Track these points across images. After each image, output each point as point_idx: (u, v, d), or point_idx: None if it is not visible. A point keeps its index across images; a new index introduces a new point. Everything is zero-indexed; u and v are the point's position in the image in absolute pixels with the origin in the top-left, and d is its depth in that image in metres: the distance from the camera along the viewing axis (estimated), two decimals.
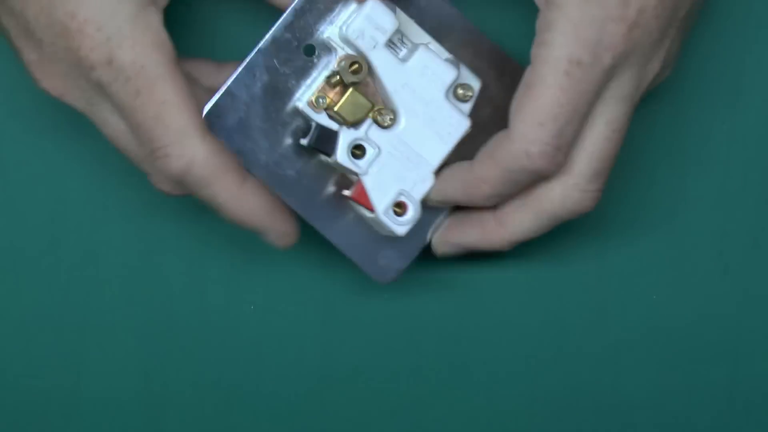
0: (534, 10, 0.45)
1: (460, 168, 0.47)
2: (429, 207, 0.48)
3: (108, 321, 0.53)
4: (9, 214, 0.53)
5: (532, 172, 0.45)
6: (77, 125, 0.50)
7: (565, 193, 0.46)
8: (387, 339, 0.55)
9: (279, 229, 0.45)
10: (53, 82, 0.44)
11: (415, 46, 0.47)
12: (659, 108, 0.53)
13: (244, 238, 0.53)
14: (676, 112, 0.54)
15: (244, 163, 0.46)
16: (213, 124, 0.45)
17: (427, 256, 0.54)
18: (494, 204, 0.47)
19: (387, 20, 0.46)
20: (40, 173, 0.52)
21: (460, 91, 0.48)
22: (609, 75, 0.44)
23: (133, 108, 0.42)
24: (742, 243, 0.55)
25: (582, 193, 0.46)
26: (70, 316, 0.53)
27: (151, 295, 0.53)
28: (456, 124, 0.47)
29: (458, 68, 0.47)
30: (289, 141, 0.47)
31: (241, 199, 0.44)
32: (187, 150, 0.42)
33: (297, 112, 0.47)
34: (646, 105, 0.52)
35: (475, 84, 0.48)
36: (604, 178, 0.46)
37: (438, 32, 0.48)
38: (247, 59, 0.46)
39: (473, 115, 0.48)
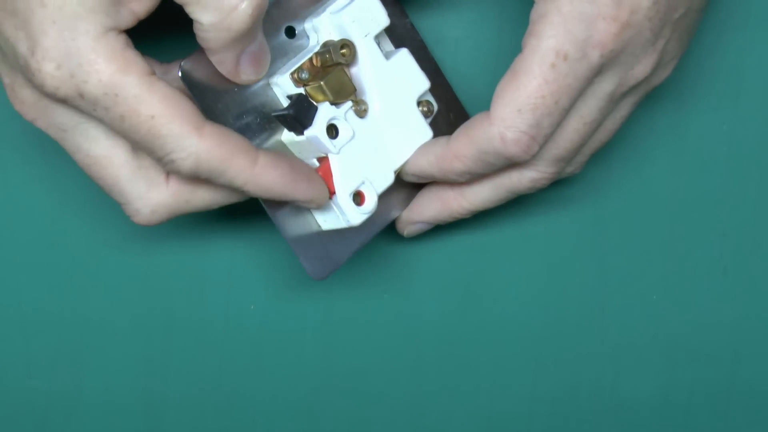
0: (530, 5, 0.45)
1: (438, 142, 0.48)
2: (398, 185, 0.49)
3: (108, 321, 0.54)
4: (9, 214, 0.53)
5: (504, 156, 0.45)
6: None
7: (523, 172, 0.47)
8: (387, 339, 0.55)
9: (305, 196, 0.45)
10: (25, 108, 0.44)
11: (396, 49, 0.48)
12: (659, 108, 0.53)
13: (244, 237, 0.53)
14: (676, 112, 0.54)
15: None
16: (186, 77, 0.44)
17: (426, 257, 0.54)
18: (466, 181, 0.48)
19: (382, 14, 0.46)
20: (40, 173, 0.52)
21: (423, 108, 0.49)
22: (595, 72, 0.44)
23: (124, 130, 0.42)
24: (742, 243, 0.55)
25: (539, 173, 0.47)
26: (70, 316, 0.53)
27: (151, 295, 0.53)
28: (421, 131, 0.48)
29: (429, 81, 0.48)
30: (249, 117, 0.46)
31: (258, 176, 0.43)
32: (190, 150, 0.42)
33: (267, 87, 0.47)
34: (646, 105, 0.52)
35: (435, 105, 0.49)
36: (564, 163, 0.47)
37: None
38: None
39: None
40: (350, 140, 0.46)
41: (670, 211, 0.54)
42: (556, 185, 0.53)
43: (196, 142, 0.42)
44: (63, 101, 0.42)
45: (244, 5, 0.41)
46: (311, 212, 0.48)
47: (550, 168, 0.47)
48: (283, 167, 0.44)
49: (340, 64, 0.46)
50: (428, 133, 0.48)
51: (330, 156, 0.46)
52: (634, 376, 0.55)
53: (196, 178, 0.43)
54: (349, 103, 0.46)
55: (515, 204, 0.54)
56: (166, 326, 0.54)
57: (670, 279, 0.55)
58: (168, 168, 0.42)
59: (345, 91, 0.46)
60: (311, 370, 0.55)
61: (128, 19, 0.42)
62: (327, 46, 0.46)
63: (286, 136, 0.46)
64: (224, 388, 0.54)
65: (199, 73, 0.44)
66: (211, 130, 0.42)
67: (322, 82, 0.45)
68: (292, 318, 0.54)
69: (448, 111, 0.50)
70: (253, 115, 0.46)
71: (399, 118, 0.48)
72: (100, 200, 0.52)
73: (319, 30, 0.46)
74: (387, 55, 0.47)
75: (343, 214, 0.47)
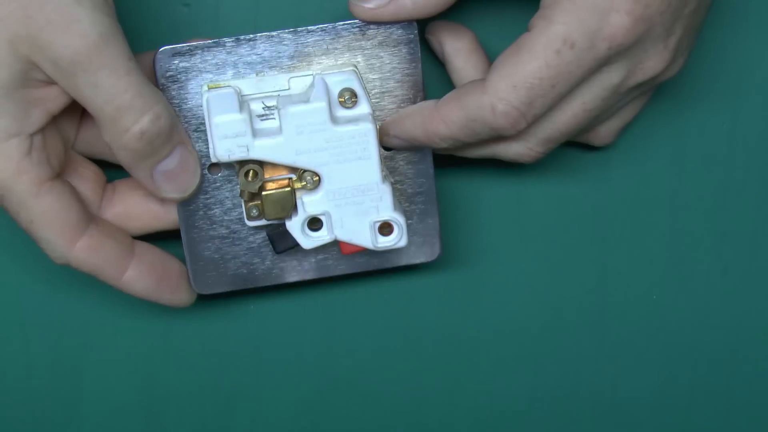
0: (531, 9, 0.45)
1: (425, 104, 0.47)
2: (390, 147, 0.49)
3: (107, 321, 0.54)
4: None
5: (490, 127, 0.45)
6: None
7: (511, 143, 0.47)
8: (386, 339, 0.55)
9: (168, 303, 0.49)
10: None
11: (277, 107, 0.47)
12: (659, 108, 0.53)
13: None
14: (677, 112, 0.54)
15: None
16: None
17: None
18: (449, 147, 0.47)
19: (236, 121, 0.46)
20: None
21: (344, 100, 0.47)
22: (600, 63, 0.44)
23: (14, 217, 0.46)
24: (742, 243, 0.55)
25: (527, 149, 0.47)
26: (70, 316, 0.53)
27: None
28: (362, 134, 0.46)
29: (324, 88, 0.46)
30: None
31: (123, 286, 0.48)
32: (60, 255, 0.46)
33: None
34: (646, 105, 0.52)
35: (352, 83, 0.47)
36: (554, 145, 0.47)
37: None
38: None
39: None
40: (330, 217, 0.47)
41: (670, 211, 0.54)
42: (556, 185, 0.53)
43: (66, 252, 0.46)
44: None
45: (136, 127, 0.43)
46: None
47: (539, 147, 0.47)
48: (150, 279, 0.48)
49: (262, 186, 0.47)
50: (368, 127, 0.46)
51: (336, 238, 0.47)
52: (634, 376, 0.55)
53: None
54: (299, 197, 0.47)
55: (515, 203, 0.54)
56: (166, 326, 0.54)
57: (670, 279, 0.55)
58: None
59: (287, 200, 0.47)
60: (311, 370, 0.55)
61: (41, 120, 0.44)
62: (241, 182, 0.47)
63: None
64: (224, 388, 0.54)
65: None
66: (85, 243, 0.46)
67: (266, 218, 0.47)
68: (292, 318, 0.54)
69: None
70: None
71: (338, 151, 0.47)
72: None
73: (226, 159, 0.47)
74: (279, 120, 0.46)
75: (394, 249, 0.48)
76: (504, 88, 0.44)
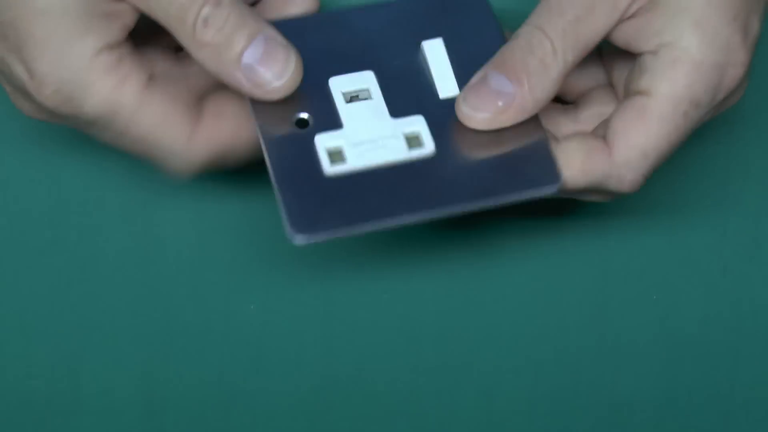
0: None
1: None
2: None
3: (108, 321, 0.54)
4: (9, 214, 0.53)
5: (615, 193, 0.45)
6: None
7: (617, 182, 0.45)
8: (386, 339, 0.55)
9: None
10: (30, 113, 0.45)
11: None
12: None
13: (245, 237, 0.53)
14: None
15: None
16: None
17: (427, 257, 0.54)
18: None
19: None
20: (40, 173, 0.52)
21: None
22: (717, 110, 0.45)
23: (124, 144, 0.44)
24: (742, 243, 0.55)
25: (627, 184, 0.45)
26: (70, 317, 0.54)
27: (151, 295, 0.53)
28: None
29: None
30: None
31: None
32: (184, 160, 0.44)
33: None
34: None
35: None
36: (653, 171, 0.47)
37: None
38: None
39: None
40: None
41: (670, 211, 0.54)
42: None
43: (187, 152, 0.43)
44: (65, 118, 0.43)
45: (200, 19, 0.42)
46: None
47: (639, 181, 0.46)
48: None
49: None
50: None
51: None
52: (634, 376, 0.55)
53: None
54: None
55: (515, 204, 0.54)
56: (167, 327, 0.54)
57: (670, 279, 0.55)
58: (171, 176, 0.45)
59: None
60: (311, 371, 0.55)
61: (121, 33, 0.43)
62: None
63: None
64: (224, 388, 0.54)
65: None
66: (205, 127, 0.43)
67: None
68: (292, 318, 0.54)
69: None
70: None
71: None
72: (101, 199, 0.53)
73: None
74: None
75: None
76: (635, 158, 0.44)
